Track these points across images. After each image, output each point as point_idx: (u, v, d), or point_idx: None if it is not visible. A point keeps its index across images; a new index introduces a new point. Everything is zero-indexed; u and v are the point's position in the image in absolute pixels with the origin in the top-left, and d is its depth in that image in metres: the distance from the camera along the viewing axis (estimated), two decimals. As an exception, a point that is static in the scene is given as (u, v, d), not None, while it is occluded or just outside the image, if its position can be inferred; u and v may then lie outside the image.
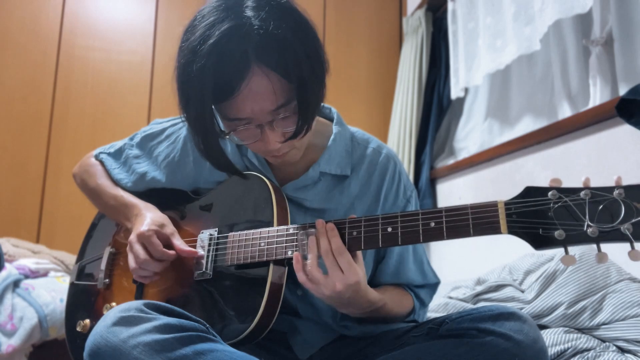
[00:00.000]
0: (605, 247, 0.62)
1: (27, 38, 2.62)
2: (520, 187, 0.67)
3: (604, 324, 1.11)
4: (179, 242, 0.89)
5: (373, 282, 0.97)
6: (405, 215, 0.74)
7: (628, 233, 0.59)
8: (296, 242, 0.80)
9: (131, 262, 0.89)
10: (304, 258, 0.77)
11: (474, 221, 0.68)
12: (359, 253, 0.79)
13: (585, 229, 0.61)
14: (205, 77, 0.71)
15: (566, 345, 1.07)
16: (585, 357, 1.03)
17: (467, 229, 0.69)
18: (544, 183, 0.66)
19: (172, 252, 0.89)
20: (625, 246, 0.60)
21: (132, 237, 0.89)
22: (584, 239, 0.62)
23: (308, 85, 0.74)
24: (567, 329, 1.14)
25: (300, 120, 0.75)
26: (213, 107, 0.77)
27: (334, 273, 0.75)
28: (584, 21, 1.68)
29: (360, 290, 0.77)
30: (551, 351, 1.07)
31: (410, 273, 0.96)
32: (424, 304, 0.99)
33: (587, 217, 0.62)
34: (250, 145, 0.83)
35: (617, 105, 1.23)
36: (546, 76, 1.90)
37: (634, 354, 1.03)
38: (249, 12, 0.72)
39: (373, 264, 0.95)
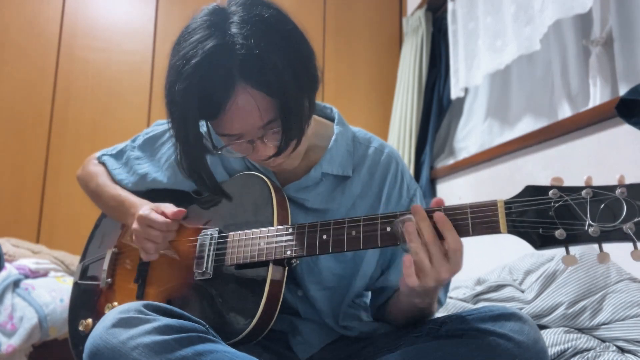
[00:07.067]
0: (606, 246, 0.61)
1: (27, 38, 2.62)
2: (521, 187, 0.66)
3: (604, 324, 1.11)
4: (170, 210, 0.90)
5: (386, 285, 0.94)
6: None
7: (630, 233, 0.58)
8: (392, 232, 0.72)
9: (142, 244, 0.90)
10: (405, 251, 0.70)
11: (473, 220, 0.68)
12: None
13: (586, 228, 0.60)
14: (189, 98, 0.71)
15: (566, 345, 1.07)
16: (585, 357, 1.03)
17: (467, 229, 0.68)
18: (544, 183, 0.65)
19: (168, 220, 0.89)
20: (626, 246, 0.59)
21: (135, 225, 0.90)
22: (585, 238, 0.61)
23: (291, 102, 0.72)
24: (567, 329, 1.14)
25: (284, 137, 0.74)
26: (208, 123, 0.77)
27: (439, 261, 0.68)
28: (584, 21, 1.68)
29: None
30: (551, 351, 1.07)
31: None
32: (441, 304, 0.98)
33: (588, 216, 0.60)
34: (248, 156, 0.84)
35: (617, 105, 1.23)
36: (546, 76, 1.90)
37: (634, 354, 1.03)
38: (233, 29, 0.71)
39: (376, 265, 0.94)
